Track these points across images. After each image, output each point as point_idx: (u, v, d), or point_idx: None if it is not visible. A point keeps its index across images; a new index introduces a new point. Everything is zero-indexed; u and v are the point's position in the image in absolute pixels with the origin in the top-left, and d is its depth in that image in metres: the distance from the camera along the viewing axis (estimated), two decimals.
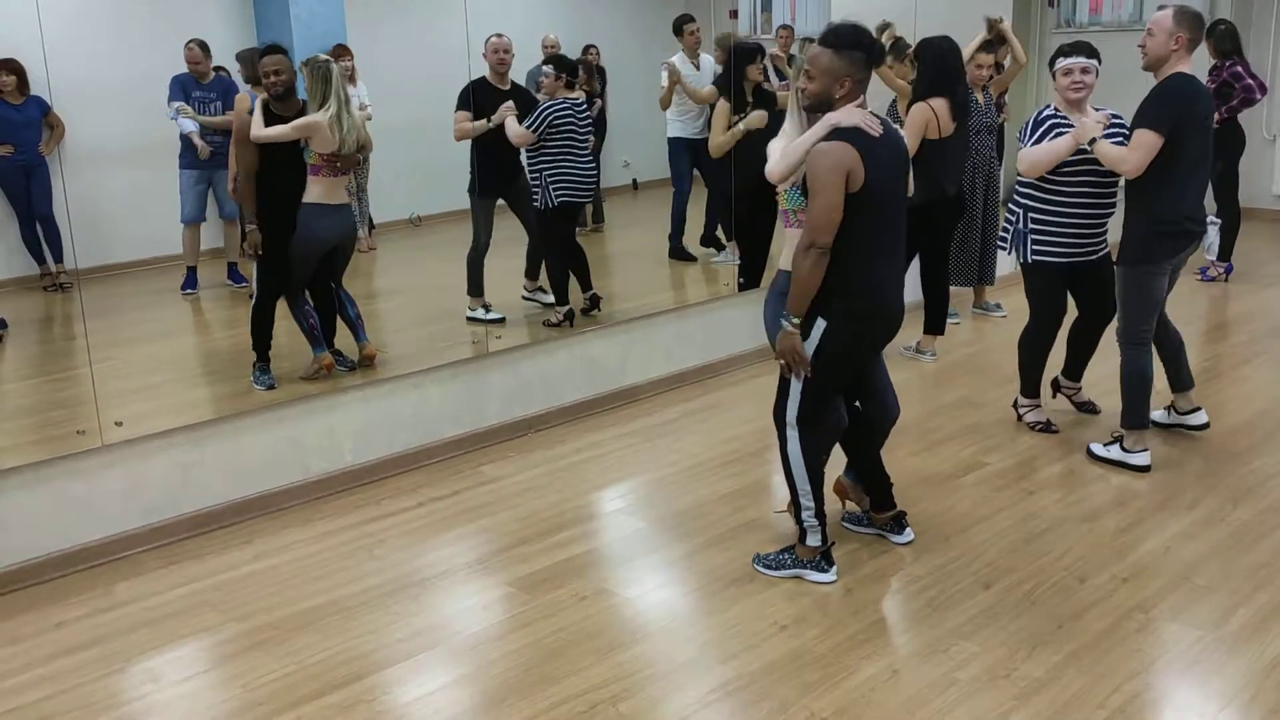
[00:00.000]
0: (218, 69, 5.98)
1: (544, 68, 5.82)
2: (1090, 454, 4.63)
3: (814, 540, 3.59)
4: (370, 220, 6.06)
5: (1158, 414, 4.78)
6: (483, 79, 5.80)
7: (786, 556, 3.67)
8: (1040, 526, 3.98)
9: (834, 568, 3.62)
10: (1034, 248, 4.59)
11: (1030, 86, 9.45)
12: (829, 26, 3.40)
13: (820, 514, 3.59)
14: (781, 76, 6.67)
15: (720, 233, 6.95)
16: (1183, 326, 4.80)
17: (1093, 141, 4.25)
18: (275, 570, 3.83)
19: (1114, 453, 4.54)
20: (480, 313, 5.89)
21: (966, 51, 6.04)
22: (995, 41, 6.21)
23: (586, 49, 6.50)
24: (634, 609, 3.55)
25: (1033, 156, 4.43)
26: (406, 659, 3.24)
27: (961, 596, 3.50)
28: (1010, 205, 4.74)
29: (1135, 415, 4.46)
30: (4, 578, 3.72)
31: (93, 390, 4.03)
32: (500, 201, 5.95)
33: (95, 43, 3.92)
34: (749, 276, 6.15)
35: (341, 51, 5.30)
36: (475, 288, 5.94)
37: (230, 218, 6.11)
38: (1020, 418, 5.01)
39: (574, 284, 5.92)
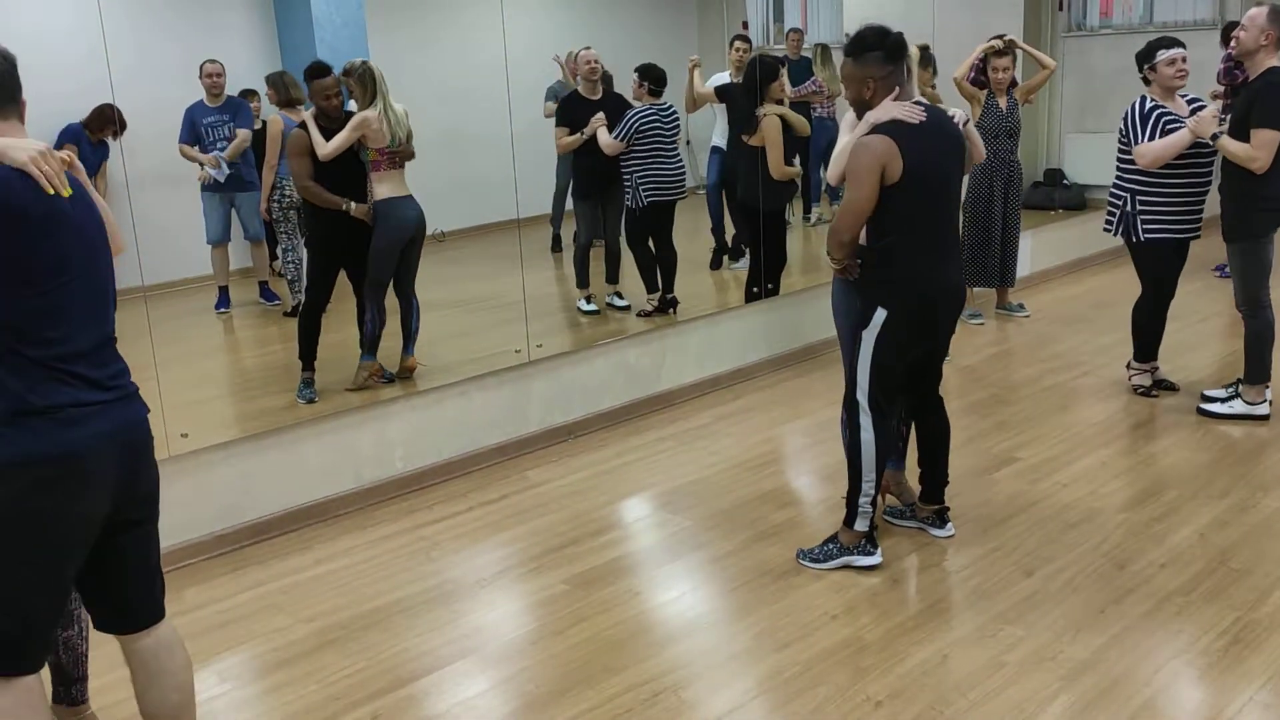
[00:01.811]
0: (248, 92, 6.16)
1: (632, 75, 6.18)
2: (1204, 412, 4.99)
3: (861, 525, 3.71)
4: None
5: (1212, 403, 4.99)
6: (574, 92, 6.24)
7: (832, 547, 3.78)
8: (1076, 517, 4.09)
9: (879, 550, 3.74)
10: (1145, 228, 4.95)
11: (1046, 89, 9.56)
12: (848, 36, 3.56)
13: (874, 501, 3.71)
14: (796, 82, 6.88)
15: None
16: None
17: (1215, 137, 4.64)
18: (337, 574, 3.96)
19: (1237, 407, 4.97)
20: (582, 303, 6.39)
21: (973, 57, 6.31)
22: (1006, 49, 6.37)
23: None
24: (686, 603, 3.68)
25: (1154, 151, 4.79)
26: (473, 653, 3.37)
27: (1004, 584, 3.62)
28: (1113, 190, 5.06)
29: (1259, 370, 4.91)
30: None
31: (159, 403, 4.16)
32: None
33: (118, 69, 4.09)
34: (773, 280, 6.29)
35: None
36: (582, 281, 6.41)
37: (256, 238, 6.28)
38: (1130, 379, 5.40)
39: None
